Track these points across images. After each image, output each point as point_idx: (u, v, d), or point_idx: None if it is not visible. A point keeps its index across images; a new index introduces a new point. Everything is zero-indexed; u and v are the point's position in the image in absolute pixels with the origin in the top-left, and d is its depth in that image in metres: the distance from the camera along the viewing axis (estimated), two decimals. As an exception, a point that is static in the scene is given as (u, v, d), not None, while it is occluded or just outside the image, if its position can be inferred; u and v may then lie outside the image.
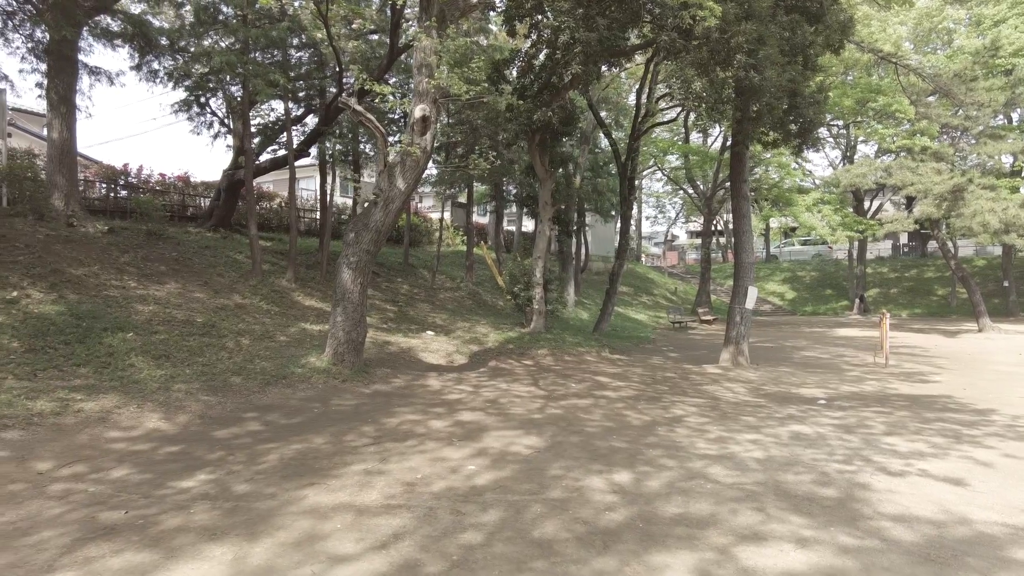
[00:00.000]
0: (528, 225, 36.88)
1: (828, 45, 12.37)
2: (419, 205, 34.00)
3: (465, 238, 24.05)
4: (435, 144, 19.26)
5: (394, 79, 17.71)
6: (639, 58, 17.46)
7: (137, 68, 13.78)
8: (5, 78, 12.18)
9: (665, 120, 26.29)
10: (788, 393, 10.47)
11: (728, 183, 21.04)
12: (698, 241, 45.59)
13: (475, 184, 23.59)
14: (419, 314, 15.85)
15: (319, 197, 19.51)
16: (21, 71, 18.59)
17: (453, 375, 11.11)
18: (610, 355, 14.72)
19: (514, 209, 30.18)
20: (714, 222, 35.82)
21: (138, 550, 4.03)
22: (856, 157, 33.39)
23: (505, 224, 35.32)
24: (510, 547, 4.18)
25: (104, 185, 16.50)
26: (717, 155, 28.60)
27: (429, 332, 14.22)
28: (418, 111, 9.70)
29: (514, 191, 25.76)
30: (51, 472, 5.45)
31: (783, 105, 11.43)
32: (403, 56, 15.03)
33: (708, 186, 31.60)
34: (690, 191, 35.75)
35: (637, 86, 18.38)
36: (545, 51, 13.43)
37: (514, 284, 16.63)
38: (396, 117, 17.88)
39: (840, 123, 31.87)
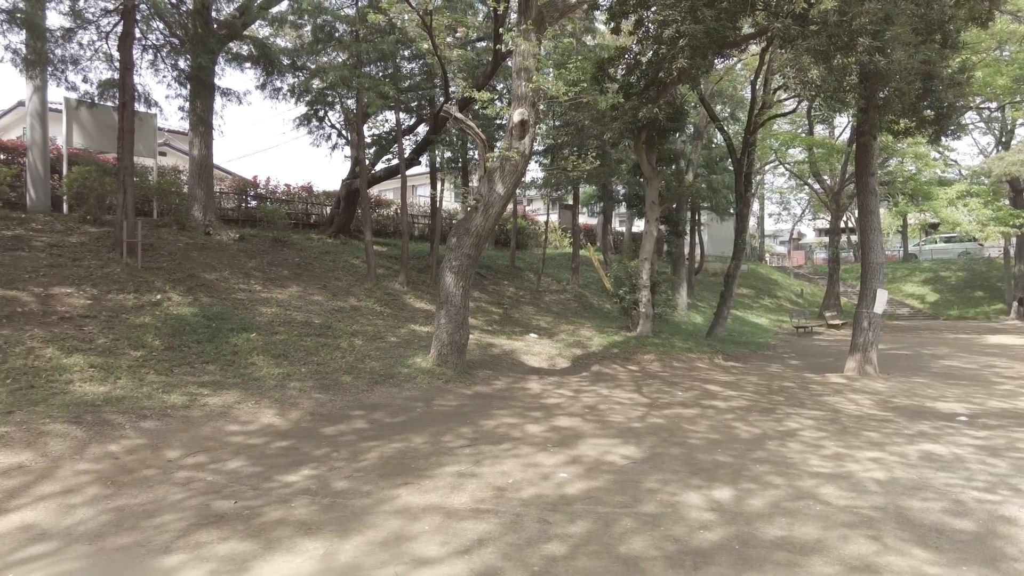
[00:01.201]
0: (639, 225, 36.16)
1: (973, 18, 11.09)
2: (526, 208, 34.28)
3: (571, 240, 23.95)
4: (540, 146, 19.40)
5: (500, 84, 17.94)
6: (753, 48, 16.58)
7: (262, 87, 14.90)
8: (156, 104, 13.57)
9: (784, 112, 24.80)
10: (921, 407, 9.48)
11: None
12: (826, 239, 42.62)
13: (582, 185, 23.43)
14: (523, 316, 15.94)
15: (430, 203, 20.17)
16: (167, 96, 20.87)
17: (554, 379, 11.05)
18: (723, 362, 14.06)
19: (624, 209, 29.67)
20: (844, 219, 33.34)
21: (241, 539, 4.29)
22: (1013, 143, 29.80)
23: (616, 225, 34.81)
24: (594, 562, 4.06)
25: (236, 196, 17.97)
26: (844, 147, 26.57)
27: (532, 335, 14.25)
28: (516, 115, 9.74)
29: (622, 191, 25.33)
30: (178, 460, 5.96)
31: (915, 89, 10.38)
32: (507, 61, 15.20)
33: (835, 180, 29.45)
34: (816, 186, 33.50)
35: (753, 77, 17.45)
36: (651, 47, 13.05)
37: (620, 286, 16.31)
38: (502, 122, 18.11)
39: (993, 105, 28.58)
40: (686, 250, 23.94)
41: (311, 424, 7.41)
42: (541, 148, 19.52)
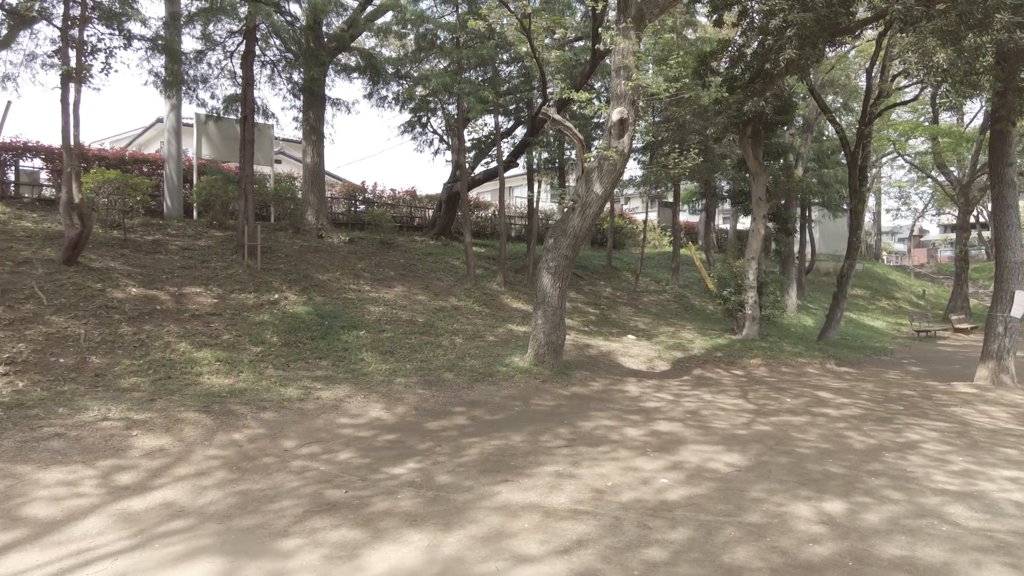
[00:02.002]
0: (744, 223, 34.73)
1: None
2: (623, 206, 33.78)
3: (671, 239, 23.38)
4: (639, 144, 19.09)
5: (599, 83, 17.83)
6: (869, 32, 15.52)
7: (369, 96, 15.59)
8: (273, 115, 14.53)
9: (904, 100, 23.04)
10: (1070, 421, 8.55)
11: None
12: (952, 236, 39.14)
13: (683, 182, 22.83)
14: (621, 317, 15.75)
15: (527, 204, 20.35)
16: (283, 108, 22.38)
17: (653, 382, 10.86)
18: (836, 367, 13.29)
19: (727, 206, 28.62)
20: (974, 213, 30.53)
21: (351, 527, 4.54)
22: None
23: (719, 222, 33.64)
24: (696, 569, 3.97)
25: (346, 201, 18.91)
26: (976, 135, 24.30)
27: (630, 336, 14.05)
28: (615, 114, 9.65)
29: (726, 187, 24.46)
30: (294, 450, 6.37)
31: (1064, 69, 9.36)
32: (605, 59, 15.08)
33: (964, 172, 27.00)
34: (940, 179, 30.87)
35: (868, 64, 16.34)
36: (756, 38, 12.53)
37: (724, 287, 15.76)
38: (601, 121, 17.98)
39: None
40: (795, 248, 22.77)
41: (415, 419, 7.69)
42: (640, 145, 19.21)
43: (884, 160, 36.34)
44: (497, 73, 16.53)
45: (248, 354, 8.95)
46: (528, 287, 15.62)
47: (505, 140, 17.98)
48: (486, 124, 18.13)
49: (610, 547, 4.29)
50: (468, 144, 17.22)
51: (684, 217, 29.12)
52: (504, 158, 16.87)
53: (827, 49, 12.76)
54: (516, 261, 17.65)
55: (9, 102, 25.07)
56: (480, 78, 16.15)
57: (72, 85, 9.87)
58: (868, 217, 39.27)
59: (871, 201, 40.07)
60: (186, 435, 6.43)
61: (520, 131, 18.65)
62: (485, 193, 28.60)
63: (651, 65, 16.63)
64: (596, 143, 17.94)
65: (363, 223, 17.80)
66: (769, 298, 15.78)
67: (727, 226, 31.84)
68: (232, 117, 13.63)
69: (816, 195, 23.14)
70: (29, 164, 14.05)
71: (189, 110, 14.64)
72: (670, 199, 24.90)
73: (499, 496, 5.21)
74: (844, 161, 19.77)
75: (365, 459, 6.15)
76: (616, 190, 19.14)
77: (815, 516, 4.89)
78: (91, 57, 10.43)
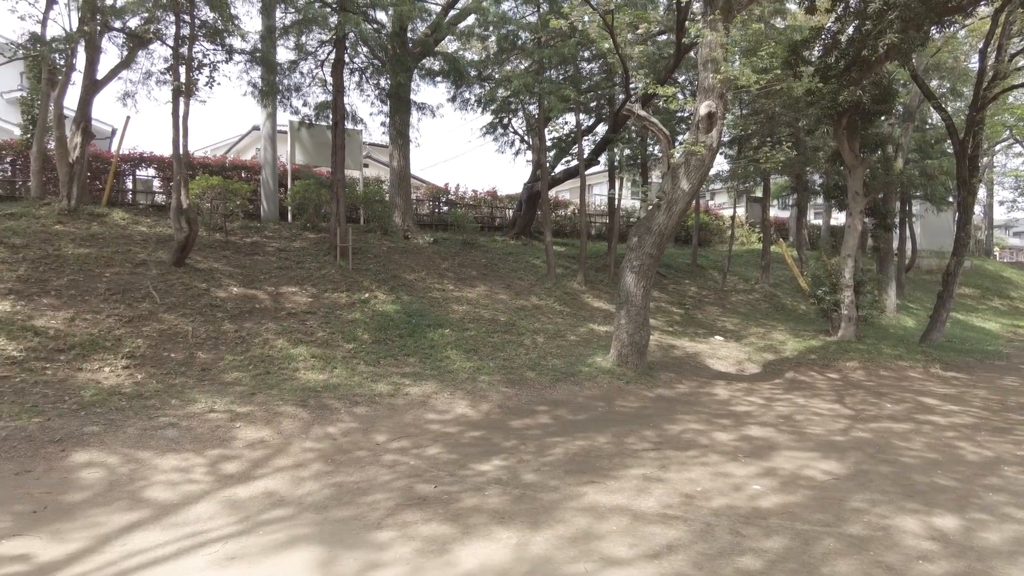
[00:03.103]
0: (838, 218, 32.98)
1: None
2: (709, 203, 32.82)
3: (760, 235, 22.51)
4: (726, 137, 18.48)
5: (683, 77, 17.40)
6: (983, 9, 14.35)
7: (452, 99, 15.88)
8: (361, 121, 15.07)
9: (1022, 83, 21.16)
10: None
11: None
12: (1080, 229, 35.69)
13: (773, 176, 21.94)
14: (707, 318, 15.32)
15: (608, 202, 20.13)
16: (371, 114, 23.20)
17: (743, 385, 10.50)
18: (942, 372, 12.41)
19: (820, 201, 27.26)
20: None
21: (442, 522, 4.64)
22: None
23: (811, 218, 32.12)
24: (794, 581, 3.82)
25: (430, 202, 19.35)
26: (1110, 117, 22.03)
27: (718, 337, 13.64)
28: (703, 108, 9.39)
29: (819, 181, 23.29)
30: (385, 444, 6.58)
31: None
32: (691, 53, 14.69)
33: (1095, 158, 24.50)
34: (1066, 166, 28.13)
35: (982, 44, 15.12)
36: (852, 23, 11.86)
37: (818, 286, 15.03)
38: (685, 116, 17.55)
39: None
40: (895, 245, 21.40)
41: (500, 417, 7.78)
42: (727, 139, 18.61)
43: (998, 148, 33.59)
44: (578, 71, 16.44)
45: (341, 351, 9.32)
46: (609, 286, 15.46)
47: (586, 138, 17.86)
48: (567, 122, 18.07)
49: (702, 553, 4.19)
50: (549, 143, 17.23)
51: (774, 213, 27.95)
52: (585, 156, 16.76)
53: (933, 31, 11.92)
54: (597, 260, 17.50)
55: (128, 117, 27.16)
56: (561, 76, 16.11)
57: (182, 99, 10.60)
58: (978, 210, 36.40)
59: (981, 193, 37.06)
60: (284, 428, 6.77)
61: (601, 128, 18.46)
62: (564, 192, 28.52)
63: (738, 57, 16.07)
64: (681, 138, 17.54)
65: (446, 224, 18.15)
66: (867, 298, 14.92)
67: (819, 222, 30.35)
68: (323, 123, 14.21)
69: (918, 188, 21.65)
70: (144, 173, 15.19)
71: (283, 118, 15.40)
72: (759, 194, 24.00)
73: (586, 497, 5.19)
74: (951, 151, 18.43)
75: (452, 455, 6.28)
76: (702, 186, 18.62)
77: (924, 531, 4.59)
78: (198, 72, 11.16)
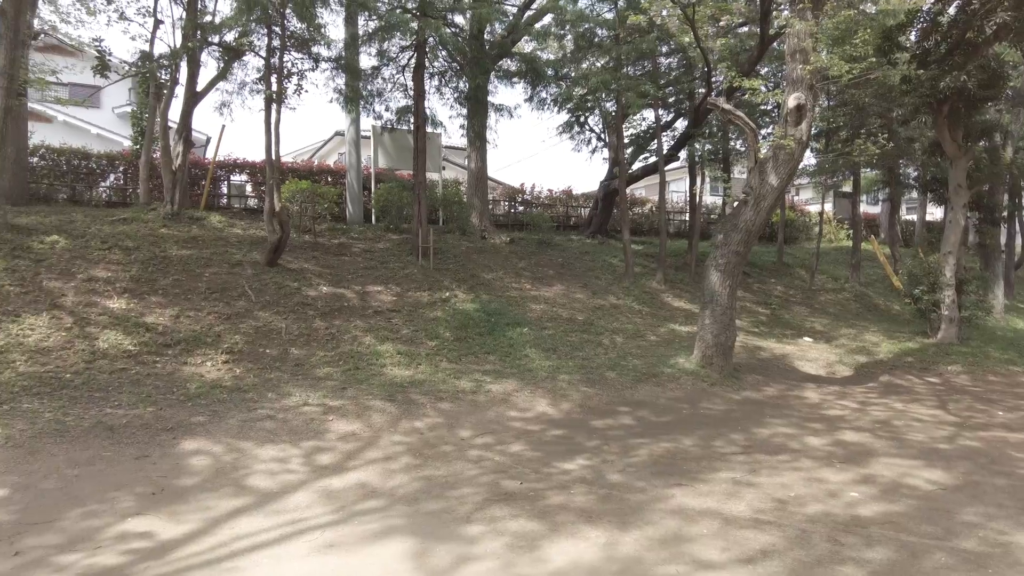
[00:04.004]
0: (935, 213, 30.97)
1: None
2: (795, 198, 31.51)
3: (850, 232, 21.43)
4: (813, 130, 17.68)
5: (766, 69, 16.81)
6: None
7: (529, 99, 15.96)
8: (440, 124, 15.36)
9: None
10: None
11: None
12: None
13: (863, 170, 20.84)
14: (795, 318, 14.72)
15: (688, 199, 19.68)
16: (450, 116, 23.73)
17: (834, 388, 10.04)
18: (1059, 376, 11.45)
19: (915, 195, 25.68)
20: None
21: (529, 518, 4.68)
22: None
23: (904, 213, 30.32)
24: (903, 594, 3.63)
25: (506, 203, 19.51)
26: None
27: (807, 338, 13.09)
28: (791, 100, 9.04)
29: (914, 174, 21.94)
30: (469, 440, 6.70)
31: None
32: (775, 44, 14.17)
33: None
34: None
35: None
36: (954, 3, 11.11)
37: (915, 285, 14.17)
38: (769, 109, 16.94)
39: None
40: (1003, 241, 19.89)
41: (581, 416, 7.76)
42: (814, 132, 17.81)
43: (1123, 133, 30.57)
44: (657, 66, 16.17)
45: (425, 348, 9.54)
46: (690, 285, 15.12)
47: (665, 133, 17.54)
48: (644, 119, 17.80)
49: (798, 560, 4.04)
50: (626, 140, 17.02)
51: (864, 208, 26.54)
52: (664, 152, 16.46)
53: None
54: (677, 258, 17.15)
55: (223, 126, 28.74)
56: (639, 72, 15.90)
57: (273, 107, 11.14)
58: (1100, 202, 33.25)
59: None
60: (374, 421, 7.00)
61: (681, 124, 18.11)
62: (640, 189, 28.11)
63: (824, 47, 15.37)
64: (765, 131, 16.93)
65: (522, 224, 18.25)
66: (970, 297, 13.95)
67: (913, 217, 28.59)
68: (404, 127, 14.58)
69: (1030, 179, 20.04)
70: (238, 178, 16.06)
71: (366, 123, 15.88)
72: (848, 189, 22.86)
73: (674, 499, 5.11)
74: (1070, 137, 16.95)
75: (536, 452, 6.32)
76: (786, 181, 17.89)
77: (1049, 548, 4.26)
78: (287, 81, 11.71)
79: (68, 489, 5.05)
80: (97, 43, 12.41)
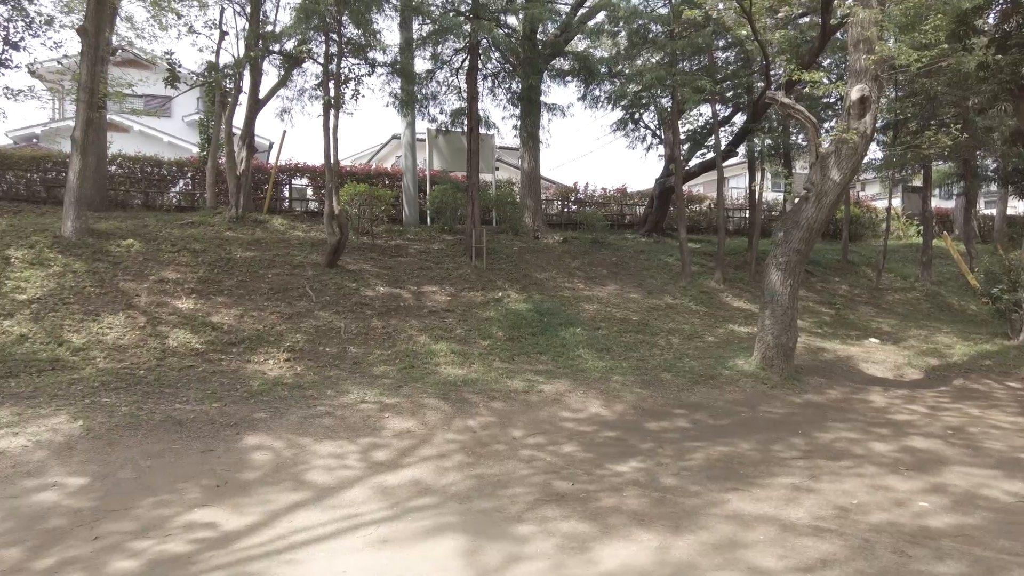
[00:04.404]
0: (1016, 207, 29.20)
1: None
2: (860, 194, 30.28)
3: (921, 228, 20.43)
4: (880, 122, 16.95)
5: (828, 60, 16.22)
6: None
7: (582, 98, 15.85)
8: (494, 125, 15.43)
9: None
10: None
11: None
12: None
13: (935, 163, 19.86)
14: (860, 319, 14.15)
15: (747, 196, 19.18)
16: (503, 117, 23.82)
17: (903, 392, 9.60)
18: None
19: (994, 188, 24.29)
20: None
21: (580, 520, 4.66)
22: None
23: (981, 207, 28.73)
24: (975, 611, 3.44)
25: (559, 202, 19.45)
26: None
27: (873, 339, 12.56)
28: (855, 92, 8.68)
29: (993, 166, 20.77)
30: (521, 439, 6.71)
31: None
32: (838, 34, 13.64)
33: None
34: None
35: None
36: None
37: (993, 283, 13.39)
38: (832, 101, 16.34)
39: None
40: (1093, 236, 18.58)
41: (635, 418, 7.67)
42: (880, 124, 17.08)
43: None
44: (713, 60, 15.82)
45: (478, 347, 9.63)
46: (750, 284, 14.73)
47: (723, 129, 17.14)
48: (701, 114, 17.45)
49: (860, 571, 3.89)
50: (682, 136, 16.73)
51: (935, 203, 25.28)
52: (722, 148, 16.09)
53: None
54: (736, 257, 16.73)
55: (284, 131, 29.76)
56: (695, 68, 15.59)
57: (331, 112, 11.45)
58: None
59: None
60: (428, 419, 7.11)
61: (739, 119, 17.65)
62: (698, 186, 27.56)
63: (893, 34, 14.70)
64: (827, 125, 16.33)
65: (575, 223, 18.18)
66: (1057, 296, 13.07)
67: (991, 211, 27.04)
68: (458, 130, 14.73)
69: None
70: (299, 182, 16.57)
71: (421, 126, 16.12)
72: (918, 183, 21.83)
73: (729, 504, 4.99)
74: None
75: (588, 454, 6.28)
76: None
77: None
78: (344, 86, 12.01)
79: (141, 479, 5.32)
80: (168, 56, 13.08)
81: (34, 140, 20.40)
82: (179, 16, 14.11)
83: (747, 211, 19.69)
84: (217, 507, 4.85)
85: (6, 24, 11.60)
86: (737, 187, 26.96)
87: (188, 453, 5.88)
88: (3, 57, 11.62)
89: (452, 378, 8.41)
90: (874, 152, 19.98)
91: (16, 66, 12.00)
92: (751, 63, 15.59)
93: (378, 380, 8.19)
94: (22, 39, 11.86)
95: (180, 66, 13.01)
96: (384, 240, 13.55)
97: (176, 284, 9.86)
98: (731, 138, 17.16)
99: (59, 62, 14.05)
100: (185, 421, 6.52)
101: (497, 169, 18.72)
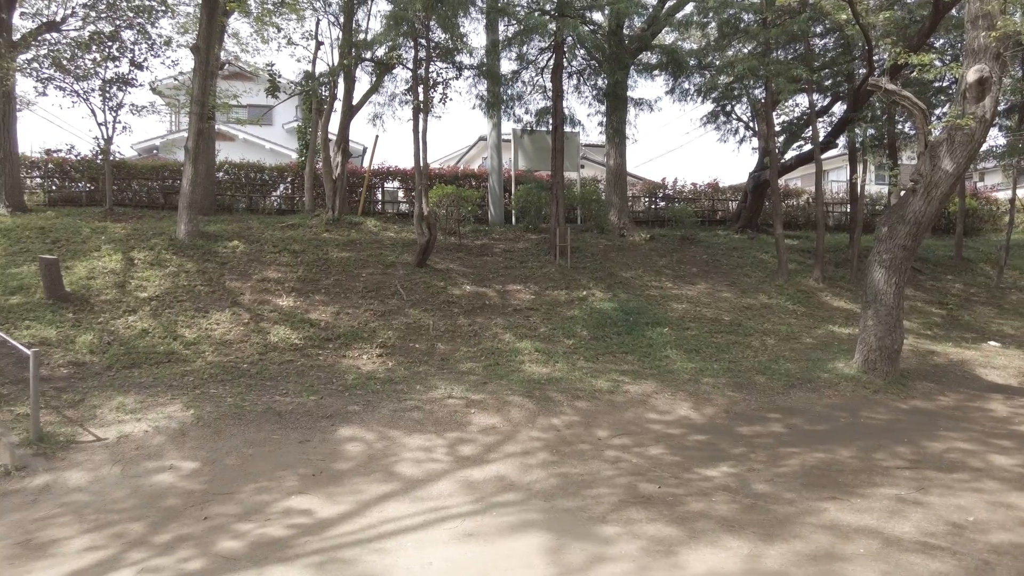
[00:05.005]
0: None
1: None
2: (978, 184, 27.90)
3: (1052, 221, 18.57)
4: (1002, 106, 15.54)
5: (941, 40, 15.06)
6: None
7: (670, 92, 15.47)
8: (579, 122, 15.34)
9: None
10: None
11: None
12: None
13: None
14: (977, 320, 13.03)
15: (848, 189, 18.10)
16: (588, 115, 23.75)
17: (1028, 398, 8.77)
18: None
19: None
20: None
21: (667, 523, 4.56)
22: None
23: None
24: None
25: (646, 199, 19.09)
26: None
27: (992, 342, 11.54)
28: (972, 74, 8.00)
29: None
30: (606, 440, 6.65)
31: None
32: (952, 11, 12.64)
33: None
34: None
35: None
36: None
37: None
38: (944, 85, 15.16)
39: None
40: None
41: (726, 421, 7.42)
42: (1003, 107, 15.67)
43: None
44: (810, 48, 15.05)
45: (562, 346, 9.61)
46: (852, 283, 13.91)
47: (821, 119, 16.27)
48: (797, 104, 16.66)
49: (978, 594, 3.59)
50: (777, 128, 16.01)
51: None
52: (820, 139, 15.27)
53: None
54: (836, 254, 15.84)
55: (376, 136, 30.81)
56: (790, 56, 14.88)
57: (421, 116, 11.76)
58: None
59: None
60: (512, 416, 7.17)
61: (839, 108, 16.70)
62: (795, 179, 26.29)
63: (1019, 9, 13.42)
64: (938, 112, 15.17)
65: (663, 220, 17.78)
66: None
67: None
68: (543, 129, 14.75)
69: None
70: (391, 185, 17.13)
71: (506, 127, 16.28)
72: (1048, 171, 19.81)
73: (826, 514, 4.74)
74: None
75: (675, 457, 6.14)
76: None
77: None
78: (432, 90, 12.30)
79: (244, 466, 5.68)
80: (269, 67, 13.85)
81: (154, 151, 22.18)
82: (279, 29, 14.93)
83: (848, 205, 18.57)
84: (312, 495, 5.10)
85: (132, 47, 12.66)
86: (837, 180, 25.49)
87: (287, 443, 6.21)
88: (130, 77, 12.69)
89: (536, 376, 8.44)
90: (995, 138, 18.35)
91: (139, 84, 13.08)
92: (851, 48, 14.71)
93: (464, 376, 8.34)
94: (145, 60, 12.92)
95: (280, 76, 13.76)
96: (470, 240, 13.78)
97: (277, 283, 10.44)
98: (830, 129, 16.27)
99: (175, 78, 15.23)
100: (284, 412, 6.89)
101: (582, 167, 18.60)
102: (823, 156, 15.97)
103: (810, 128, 15.38)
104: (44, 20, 12.63)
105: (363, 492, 5.18)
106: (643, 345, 9.85)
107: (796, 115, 16.51)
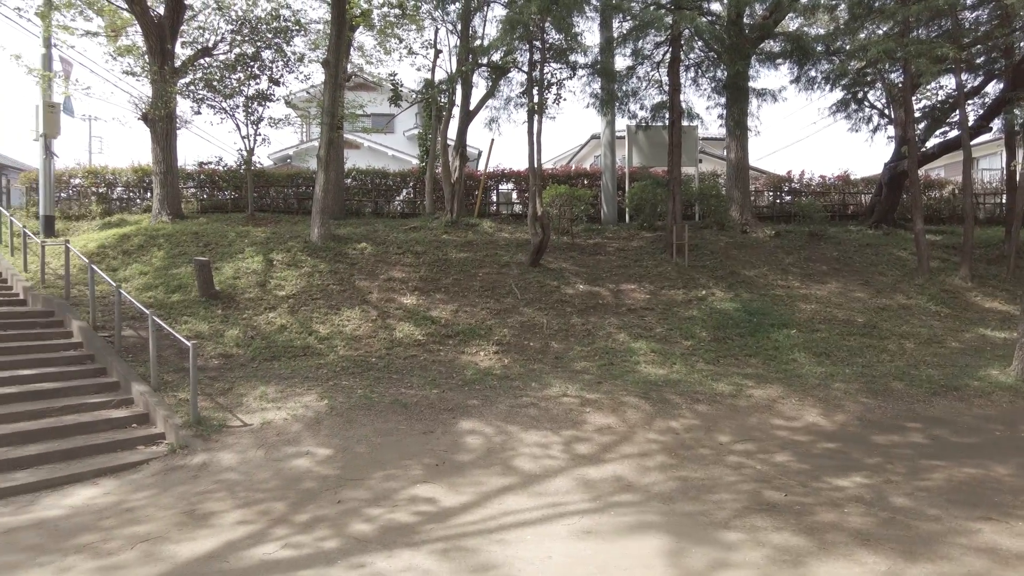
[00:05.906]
0: None
1: None
2: None
3: None
4: None
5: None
6: None
7: (796, 80, 14.61)
8: (697, 116, 14.88)
9: None
10: None
11: None
12: None
13: None
14: None
15: (1005, 178, 16.29)
16: (707, 107, 22.92)
17: None
18: None
19: None
20: None
21: (794, 533, 4.36)
22: None
23: None
24: None
25: (770, 193, 18.17)
26: None
27: None
28: None
29: None
30: (728, 445, 6.44)
31: None
32: None
33: None
34: None
35: None
36: None
37: None
38: None
39: None
40: None
41: (858, 429, 6.96)
42: None
43: None
44: (958, 23, 13.69)
45: (679, 347, 9.40)
46: (1007, 282, 12.55)
47: (970, 102, 14.77)
48: (941, 87, 15.26)
49: None
50: (917, 114, 14.72)
51: None
52: (969, 124, 13.86)
53: None
54: (988, 250, 14.34)
55: (492, 139, 31.51)
56: (933, 34, 13.62)
57: (535, 117, 11.91)
58: None
59: None
60: (628, 417, 7.12)
61: (993, 88, 15.08)
62: (937, 169, 24.00)
63: None
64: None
65: (789, 215, 16.86)
66: None
67: None
68: (659, 124, 14.47)
69: None
70: (505, 187, 17.47)
71: (619, 124, 16.10)
72: None
73: (980, 535, 4.34)
74: None
75: (803, 465, 5.84)
76: None
77: None
78: (547, 91, 12.41)
79: (373, 454, 6.04)
80: (392, 77, 14.56)
81: (288, 160, 23.96)
82: (400, 40, 15.66)
83: (1003, 196, 16.71)
84: (436, 484, 5.34)
85: (270, 65, 13.79)
86: (989, 168, 22.99)
87: (412, 433, 6.54)
88: (268, 92, 13.83)
89: (652, 377, 8.31)
90: None
91: (276, 99, 14.21)
92: (1011, 19, 13.23)
93: (579, 375, 8.37)
94: (281, 76, 14.03)
95: (402, 86, 14.43)
96: (583, 239, 13.77)
97: (401, 282, 10.97)
98: (982, 112, 14.72)
99: (307, 91, 16.38)
100: (409, 404, 7.25)
101: (700, 161, 18.01)
102: (973, 143, 14.49)
103: (957, 112, 14.01)
104: (199, 47, 14.03)
105: (484, 484, 5.35)
106: (768, 347, 9.42)
107: (940, 99, 15.10)
